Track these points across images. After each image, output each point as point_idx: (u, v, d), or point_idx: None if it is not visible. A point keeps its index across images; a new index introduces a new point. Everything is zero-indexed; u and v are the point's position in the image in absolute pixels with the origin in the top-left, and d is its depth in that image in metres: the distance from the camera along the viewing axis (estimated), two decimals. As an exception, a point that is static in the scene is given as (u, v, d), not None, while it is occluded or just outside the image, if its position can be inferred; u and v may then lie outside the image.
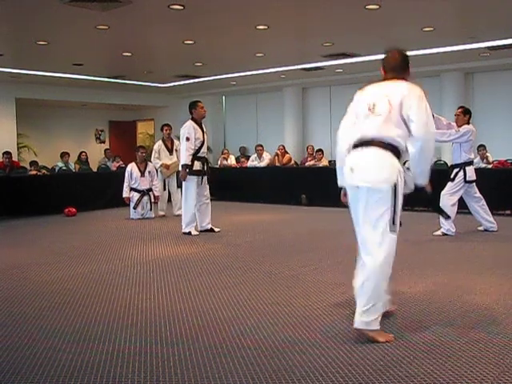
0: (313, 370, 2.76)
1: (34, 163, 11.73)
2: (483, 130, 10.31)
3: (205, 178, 7.31)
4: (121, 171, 10.33)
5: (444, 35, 8.72)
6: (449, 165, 7.86)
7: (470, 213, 7.13)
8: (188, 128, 7.18)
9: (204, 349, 3.08)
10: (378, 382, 2.62)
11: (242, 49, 9.80)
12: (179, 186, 8.61)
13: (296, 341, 3.18)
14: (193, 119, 7.30)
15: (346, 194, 3.31)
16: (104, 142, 16.82)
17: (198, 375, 2.73)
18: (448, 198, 6.72)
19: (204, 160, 7.34)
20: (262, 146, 12.56)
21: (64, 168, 11.85)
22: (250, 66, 11.58)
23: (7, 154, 10.88)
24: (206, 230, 7.37)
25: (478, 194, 6.93)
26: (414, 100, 3.08)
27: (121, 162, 12.91)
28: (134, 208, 9.29)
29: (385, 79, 3.31)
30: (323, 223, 8.34)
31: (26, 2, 6.56)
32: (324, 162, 11.86)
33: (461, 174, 6.78)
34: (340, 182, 3.36)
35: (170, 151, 9.62)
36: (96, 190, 10.61)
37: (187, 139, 7.12)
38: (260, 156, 12.34)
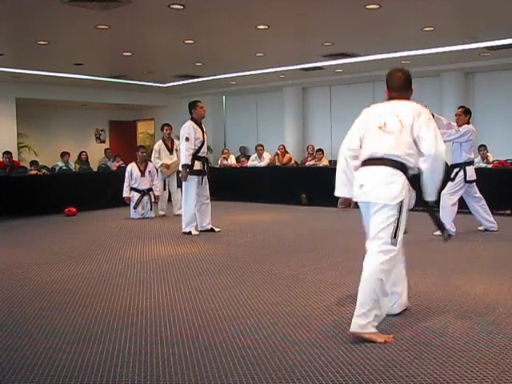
0: (313, 370, 2.76)
1: (34, 163, 11.74)
2: (483, 130, 10.31)
3: (205, 177, 7.32)
4: (121, 171, 10.33)
5: (444, 35, 8.72)
6: (449, 165, 7.86)
7: (470, 213, 7.13)
8: (188, 128, 7.18)
9: (204, 349, 3.09)
10: (378, 381, 2.62)
11: (242, 49, 9.80)
12: (179, 185, 8.61)
13: (296, 341, 3.18)
14: (192, 119, 7.30)
15: (345, 203, 3.57)
16: (104, 142, 16.82)
17: (198, 375, 2.74)
18: (448, 198, 6.72)
19: (204, 160, 7.34)
20: (262, 145, 12.56)
21: (64, 168, 11.86)
22: (250, 66, 11.58)
23: (7, 153, 10.88)
24: (206, 230, 7.37)
25: (479, 194, 6.93)
26: (423, 121, 3.28)
27: (121, 162, 12.91)
28: (135, 208, 9.30)
29: (390, 98, 3.50)
30: (323, 223, 8.34)
31: (26, 2, 6.56)
32: (324, 162, 11.86)
33: (461, 173, 6.78)
34: (340, 193, 3.54)
35: (171, 151, 9.62)
36: (96, 190, 10.62)
37: (187, 139, 7.12)
38: (260, 156, 12.34)
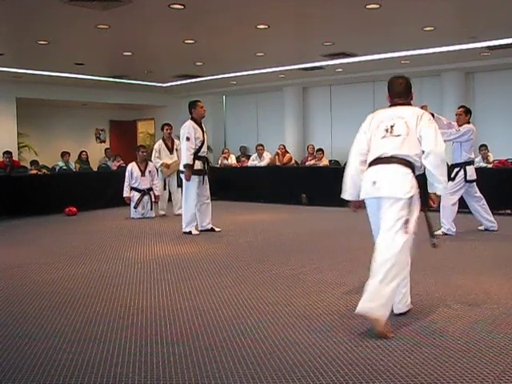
0: (313, 370, 2.76)
1: (34, 163, 11.75)
2: (483, 130, 10.31)
3: (205, 177, 7.32)
4: (121, 171, 10.34)
5: (444, 35, 8.72)
6: (449, 164, 7.86)
7: (470, 212, 7.13)
8: (188, 128, 7.19)
9: (204, 348, 3.09)
10: (378, 381, 2.62)
11: (242, 48, 9.80)
12: (179, 185, 8.62)
13: (296, 341, 3.19)
14: (192, 119, 7.30)
15: (356, 205, 3.74)
16: (104, 142, 16.80)
17: (198, 375, 2.74)
18: (448, 198, 6.71)
19: (205, 159, 7.35)
20: (262, 145, 12.56)
21: (64, 167, 11.86)
22: (250, 66, 11.58)
23: (8, 153, 10.88)
24: (207, 230, 7.37)
25: (479, 194, 6.93)
26: (425, 121, 3.53)
27: (121, 162, 12.91)
28: (135, 207, 9.30)
29: (392, 104, 3.72)
30: (323, 223, 8.34)
31: (26, 2, 6.56)
32: (324, 162, 11.84)
33: (461, 173, 6.79)
34: (350, 196, 3.72)
35: (171, 150, 9.63)
36: (96, 190, 10.62)
37: (187, 139, 7.13)
38: (260, 155, 12.34)
